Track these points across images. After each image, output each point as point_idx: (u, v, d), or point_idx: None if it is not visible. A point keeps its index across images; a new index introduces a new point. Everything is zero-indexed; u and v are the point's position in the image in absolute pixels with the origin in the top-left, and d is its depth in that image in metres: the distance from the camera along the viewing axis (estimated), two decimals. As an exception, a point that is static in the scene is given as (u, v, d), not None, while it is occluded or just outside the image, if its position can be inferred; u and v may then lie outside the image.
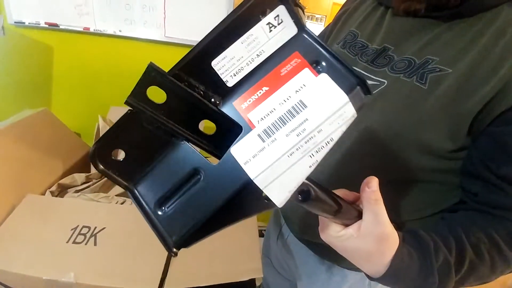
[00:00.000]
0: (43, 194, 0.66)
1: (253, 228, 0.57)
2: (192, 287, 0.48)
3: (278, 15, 0.23)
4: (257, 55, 0.23)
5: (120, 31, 1.06)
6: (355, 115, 0.22)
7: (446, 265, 0.34)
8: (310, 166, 0.21)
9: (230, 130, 0.21)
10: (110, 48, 1.09)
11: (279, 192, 0.20)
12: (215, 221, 0.21)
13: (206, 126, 0.24)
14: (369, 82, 0.44)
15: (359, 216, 0.31)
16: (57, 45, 1.08)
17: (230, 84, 0.23)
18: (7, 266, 0.48)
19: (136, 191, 0.23)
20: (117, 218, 0.59)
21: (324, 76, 0.21)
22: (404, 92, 0.39)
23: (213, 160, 0.23)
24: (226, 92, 0.23)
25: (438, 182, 0.43)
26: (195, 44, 0.23)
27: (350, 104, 0.21)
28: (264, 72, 0.23)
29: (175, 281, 0.49)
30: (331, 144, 0.21)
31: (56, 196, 0.68)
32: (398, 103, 0.40)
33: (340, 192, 0.33)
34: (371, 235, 0.31)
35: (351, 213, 0.30)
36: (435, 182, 0.43)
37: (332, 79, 0.21)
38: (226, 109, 0.23)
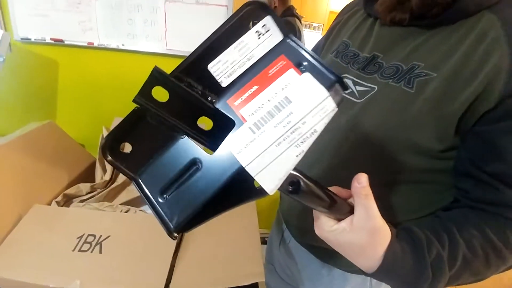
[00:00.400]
0: (49, 204, 0.68)
1: (255, 233, 0.58)
2: (196, 292, 0.49)
3: (265, 24, 0.26)
4: (248, 59, 0.26)
5: (123, 45, 1.09)
6: (336, 109, 0.24)
7: (439, 260, 0.35)
8: (297, 156, 0.23)
9: (225, 125, 0.24)
10: (113, 61, 1.12)
11: (269, 179, 0.23)
12: (212, 207, 0.23)
13: (204, 122, 0.27)
14: (361, 88, 0.46)
15: (351, 211, 0.33)
16: (62, 59, 1.11)
17: (224, 84, 0.26)
18: (15, 275, 0.49)
19: (140, 181, 0.25)
20: (122, 226, 0.60)
21: (307, 75, 0.24)
22: (393, 97, 0.42)
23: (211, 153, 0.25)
24: (221, 92, 0.26)
25: (432, 183, 0.44)
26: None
27: (330, 98, 0.24)
28: (254, 73, 0.26)
29: (179, 286, 0.50)
30: (315, 135, 0.24)
31: (62, 206, 0.69)
32: (388, 107, 0.42)
33: (333, 189, 0.34)
34: (363, 228, 0.32)
35: (344, 208, 0.32)
36: (429, 183, 0.44)
37: (314, 77, 0.24)
38: (221, 106, 0.26)
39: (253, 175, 0.23)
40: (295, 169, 0.27)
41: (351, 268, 0.55)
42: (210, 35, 0.26)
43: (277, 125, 0.23)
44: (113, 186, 0.77)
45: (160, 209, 0.24)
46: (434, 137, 0.39)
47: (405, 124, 0.40)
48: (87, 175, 0.82)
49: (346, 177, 0.42)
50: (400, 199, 0.45)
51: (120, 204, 0.72)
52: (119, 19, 1.05)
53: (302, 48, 0.26)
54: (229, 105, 0.25)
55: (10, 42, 0.89)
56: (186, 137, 0.26)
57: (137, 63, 1.12)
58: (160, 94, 0.25)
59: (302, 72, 0.24)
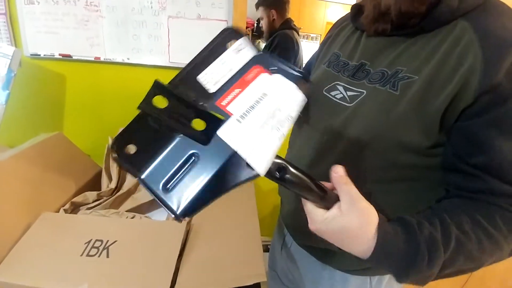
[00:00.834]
0: (57, 211, 0.70)
1: (256, 237, 0.60)
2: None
3: (241, 43, 0.33)
4: (229, 70, 0.32)
5: (128, 58, 1.14)
6: (305, 99, 0.31)
7: (432, 239, 0.37)
8: (279, 138, 0.28)
9: (215, 123, 0.28)
10: (118, 74, 1.16)
11: (259, 160, 0.27)
12: (211, 191, 0.27)
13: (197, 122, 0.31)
14: (351, 93, 0.50)
15: (337, 200, 0.37)
16: (69, 74, 1.15)
17: (212, 90, 0.32)
18: (25, 280, 0.51)
19: (144, 178, 0.28)
20: (128, 232, 0.62)
21: (277, 75, 0.31)
22: (380, 99, 0.45)
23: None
24: (210, 96, 0.31)
25: (423, 180, 0.47)
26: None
27: (297, 89, 0.31)
28: (235, 80, 0.32)
29: (184, 287, 0.51)
30: (291, 120, 0.30)
31: (70, 214, 0.71)
32: (376, 109, 0.45)
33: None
34: (351, 210, 0.36)
35: (331, 195, 0.36)
36: (420, 180, 0.47)
37: (283, 76, 0.30)
38: (211, 108, 0.30)
39: (244, 157, 0.26)
40: (283, 159, 0.32)
41: (352, 269, 0.57)
42: (198, 53, 0.33)
43: (258, 114, 0.28)
44: (118, 194, 0.79)
45: (165, 199, 0.27)
46: (420, 134, 0.42)
47: (392, 123, 0.43)
48: (94, 184, 0.85)
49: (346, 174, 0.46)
50: (394, 197, 0.47)
51: (126, 211, 0.74)
52: (124, 34, 1.10)
53: (271, 57, 0.33)
54: (217, 106, 0.31)
55: (20, 58, 0.94)
56: (184, 136, 0.30)
57: (142, 75, 1.16)
58: (160, 101, 0.29)
59: (273, 73, 0.32)
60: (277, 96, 0.30)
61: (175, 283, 0.52)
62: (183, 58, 1.14)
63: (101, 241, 0.59)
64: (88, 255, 0.56)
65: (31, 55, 1.11)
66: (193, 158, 0.28)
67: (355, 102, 0.49)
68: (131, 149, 0.29)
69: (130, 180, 0.84)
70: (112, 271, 0.53)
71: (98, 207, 0.75)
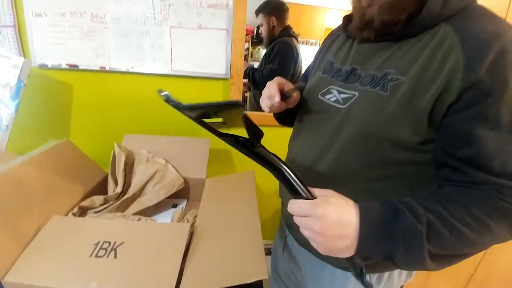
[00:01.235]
0: (66, 215, 0.72)
1: (258, 236, 0.61)
2: (204, 291, 0.52)
3: None
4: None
5: (132, 67, 1.17)
6: None
7: (411, 205, 0.41)
8: None
9: None
10: (123, 83, 1.19)
11: None
12: None
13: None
14: (345, 95, 0.53)
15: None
16: (76, 83, 1.19)
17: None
18: (37, 280, 0.53)
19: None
20: (134, 233, 0.64)
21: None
22: (371, 100, 0.48)
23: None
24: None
25: (416, 176, 0.49)
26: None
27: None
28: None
29: (189, 285, 0.53)
30: None
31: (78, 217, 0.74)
32: (368, 109, 0.48)
33: None
34: (327, 197, 0.41)
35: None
36: (413, 176, 0.49)
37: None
38: None
39: None
40: (282, 161, 0.41)
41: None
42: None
43: None
44: (124, 198, 0.82)
45: None
46: (411, 131, 0.45)
47: (383, 122, 0.46)
48: (100, 188, 0.87)
49: (342, 172, 0.52)
50: (389, 194, 0.49)
51: (132, 214, 0.77)
52: (129, 44, 1.14)
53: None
54: None
55: (30, 68, 0.97)
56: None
57: (145, 83, 1.19)
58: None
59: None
60: None
61: (180, 282, 0.54)
62: (185, 67, 1.18)
63: (109, 242, 0.61)
64: (97, 256, 0.58)
65: (39, 65, 1.15)
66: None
67: (348, 104, 0.52)
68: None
69: (135, 184, 0.86)
70: (120, 271, 0.55)
71: (105, 211, 0.77)
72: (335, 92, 0.56)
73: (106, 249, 0.59)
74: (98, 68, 1.16)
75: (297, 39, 1.79)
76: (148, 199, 0.83)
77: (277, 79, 0.63)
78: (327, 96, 0.57)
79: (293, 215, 0.43)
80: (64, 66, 1.15)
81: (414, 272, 0.64)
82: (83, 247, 0.60)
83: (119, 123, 1.24)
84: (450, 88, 0.41)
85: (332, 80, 0.58)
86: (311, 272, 0.67)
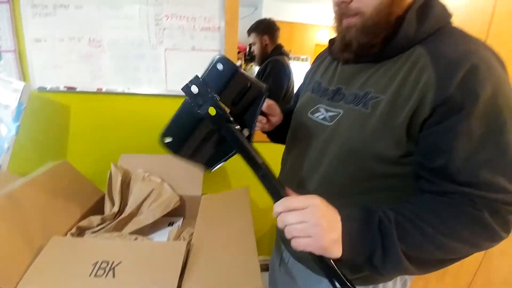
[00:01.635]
0: (65, 235, 0.74)
1: (253, 252, 0.64)
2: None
3: None
4: None
5: (128, 88, 1.21)
6: None
7: (384, 210, 0.45)
8: None
9: None
10: (119, 103, 1.22)
11: None
12: None
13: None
14: (331, 113, 0.58)
15: None
16: (74, 105, 1.22)
17: None
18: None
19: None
20: (132, 253, 0.65)
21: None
22: (354, 117, 0.52)
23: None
24: None
25: (400, 189, 0.52)
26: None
27: None
28: None
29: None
30: None
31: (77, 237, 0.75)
32: (351, 126, 0.52)
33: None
34: (308, 197, 0.44)
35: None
36: (397, 189, 0.52)
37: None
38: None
39: None
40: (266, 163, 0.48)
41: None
42: None
43: None
44: (121, 217, 0.83)
45: None
46: (392, 145, 0.48)
47: (366, 137, 0.50)
48: (98, 208, 0.89)
49: (332, 188, 0.55)
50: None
51: (129, 233, 0.78)
52: (125, 67, 1.19)
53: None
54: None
55: (30, 92, 1.01)
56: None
57: (141, 103, 1.23)
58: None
59: None
60: None
61: (177, 299, 0.56)
62: (180, 86, 1.22)
63: (107, 262, 0.62)
64: (96, 275, 0.59)
65: (38, 88, 1.18)
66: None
67: (334, 121, 0.56)
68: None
69: (132, 203, 0.88)
70: (118, 290, 0.57)
71: (102, 231, 0.78)
72: (322, 110, 0.60)
73: (104, 269, 0.60)
74: (95, 90, 1.20)
75: (288, 57, 1.86)
76: (145, 218, 0.84)
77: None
78: (316, 114, 0.61)
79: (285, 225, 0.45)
80: (62, 88, 1.19)
81: (409, 283, 0.66)
82: (82, 267, 0.61)
83: (116, 142, 1.26)
84: (424, 104, 0.45)
85: (320, 99, 0.62)
86: (308, 287, 0.68)
